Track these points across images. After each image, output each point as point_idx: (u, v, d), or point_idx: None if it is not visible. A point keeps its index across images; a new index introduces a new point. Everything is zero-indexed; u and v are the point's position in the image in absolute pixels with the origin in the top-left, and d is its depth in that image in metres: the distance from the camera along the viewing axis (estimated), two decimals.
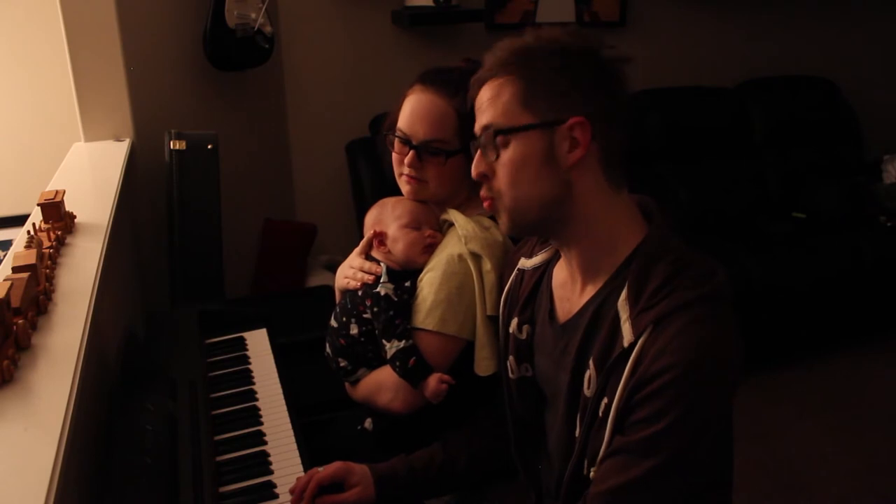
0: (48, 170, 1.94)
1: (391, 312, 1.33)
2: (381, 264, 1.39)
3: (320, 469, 1.23)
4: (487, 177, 1.09)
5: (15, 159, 2.46)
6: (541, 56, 1.05)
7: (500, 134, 1.05)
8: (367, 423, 1.44)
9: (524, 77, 1.05)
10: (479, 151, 1.10)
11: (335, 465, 1.24)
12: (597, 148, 1.04)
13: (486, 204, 1.12)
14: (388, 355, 1.33)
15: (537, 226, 1.12)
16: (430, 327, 1.32)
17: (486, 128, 1.07)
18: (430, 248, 1.38)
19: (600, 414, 1.03)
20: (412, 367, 1.30)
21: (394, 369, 1.33)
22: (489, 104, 1.07)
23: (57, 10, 2.00)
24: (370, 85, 2.97)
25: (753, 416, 2.76)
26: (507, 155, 1.05)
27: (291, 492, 1.20)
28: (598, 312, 1.06)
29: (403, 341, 1.31)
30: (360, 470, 1.25)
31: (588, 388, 1.06)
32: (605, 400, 1.02)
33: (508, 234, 1.29)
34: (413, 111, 1.36)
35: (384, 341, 1.33)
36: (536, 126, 1.04)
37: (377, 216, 1.44)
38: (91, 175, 1.99)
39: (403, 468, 1.28)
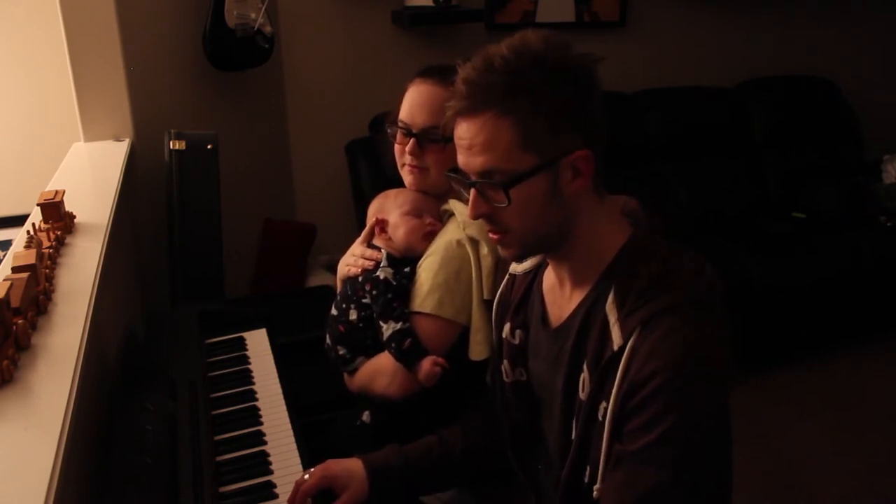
0: (48, 170, 1.93)
1: (389, 295, 1.35)
2: (382, 251, 1.42)
3: (306, 476, 1.21)
4: (491, 215, 1.06)
5: (15, 159, 2.46)
6: (528, 87, 0.98)
7: (511, 186, 1.00)
8: (365, 416, 1.45)
9: (517, 116, 0.98)
10: (474, 192, 1.04)
11: (317, 475, 1.20)
12: (595, 166, 1.02)
13: (494, 238, 1.09)
14: (385, 337, 1.34)
15: (541, 249, 1.13)
16: (426, 310, 1.34)
17: (486, 174, 1.01)
18: (430, 236, 1.41)
19: (599, 418, 1.03)
20: (407, 349, 1.32)
21: (389, 351, 1.34)
22: (484, 148, 1.00)
23: (57, 10, 2.00)
24: (370, 85, 2.97)
25: (753, 416, 2.76)
26: (514, 197, 1.01)
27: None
28: (588, 316, 1.06)
29: (400, 323, 1.33)
30: (344, 471, 1.22)
31: (582, 391, 1.06)
32: (604, 403, 1.02)
33: (514, 261, 1.29)
34: (412, 102, 1.39)
35: (381, 323, 1.35)
36: (541, 168, 1.00)
37: (380, 205, 1.47)
38: (91, 175, 1.99)
39: (398, 459, 1.26)
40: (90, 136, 2.15)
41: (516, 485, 1.32)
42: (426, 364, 1.31)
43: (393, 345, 1.33)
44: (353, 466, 1.24)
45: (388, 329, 1.34)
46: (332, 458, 1.25)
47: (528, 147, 0.99)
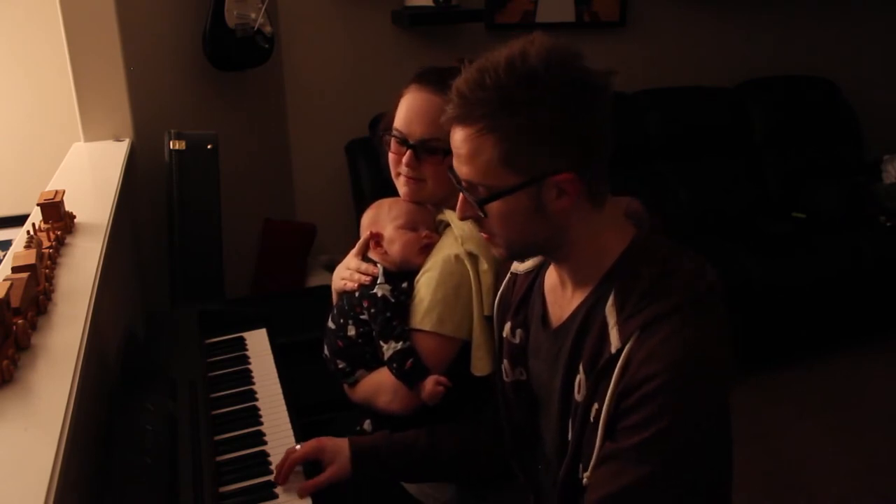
0: (48, 170, 1.93)
1: (388, 314, 1.33)
2: (378, 265, 1.40)
3: (297, 447, 1.26)
4: (477, 219, 1.07)
5: (15, 159, 2.46)
6: (516, 107, 0.96)
7: (486, 202, 1.01)
8: (366, 425, 1.45)
9: (501, 134, 0.97)
10: (461, 196, 1.06)
11: (308, 445, 1.25)
12: (583, 186, 1.01)
13: (484, 237, 1.11)
14: (386, 357, 1.33)
15: (532, 254, 1.16)
16: (427, 328, 1.32)
17: (467, 183, 1.03)
18: (426, 249, 1.38)
19: (591, 419, 1.03)
20: (409, 369, 1.31)
21: (391, 371, 1.33)
22: (467, 159, 1.01)
23: (57, 10, 2.00)
24: (370, 85, 2.97)
25: (753, 416, 2.76)
26: (494, 210, 1.02)
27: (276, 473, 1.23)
28: (588, 318, 1.06)
29: (401, 343, 1.32)
30: (333, 446, 1.26)
31: (578, 392, 1.06)
32: (596, 405, 1.02)
33: (504, 259, 1.29)
34: (409, 110, 1.36)
35: (381, 342, 1.34)
36: (521, 186, 0.99)
37: (373, 217, 1.43)
38: (91, 175, 1.99)
39: (384, 444, 1.28)
40: (90, 136, 2.15)
41: (516, 485, 1.32)
42: (429, 384, 1.30)
43: (394, 365, 1.32)
44: (342, 444, 1.27)
45: (388, 349, 1.32)
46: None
47: (509, 165, 0.99)
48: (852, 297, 3.16)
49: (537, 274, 1.21)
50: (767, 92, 3.60)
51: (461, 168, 1.03)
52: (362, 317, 1.37)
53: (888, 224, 3.30)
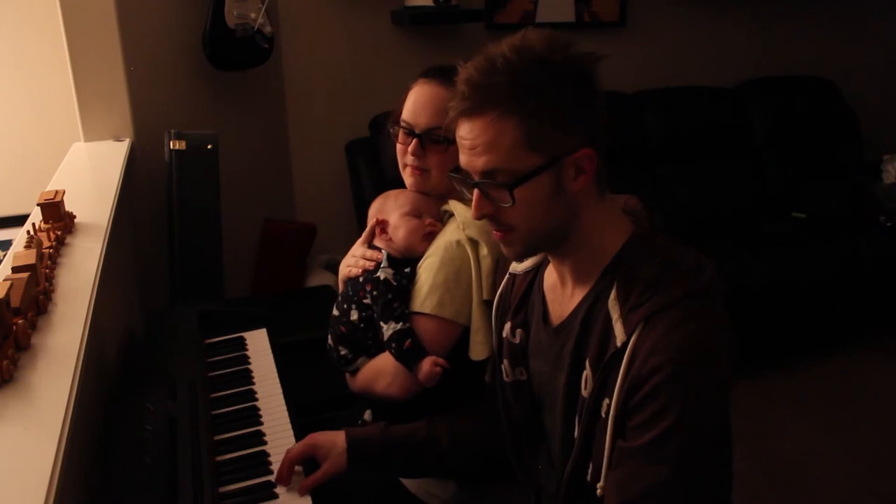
0: (48, 170, 1.94)
1: (390, 296, 1.36)
2: (383, 251, 1.43)
3: (294, 446, 1.26)
4: (494, 215, 1.06)
5: (15, 159, 2.46)
6: (531, 87, 0.98)
7: (516, 186, 1.00)
8: (367, 415, 1.46)
9: (521, 115, 0.98)
10: (478, 192, 1.04)
11: (302, 444, 1.25)
12: (597, 164, 1.03)
13: (497, 236, 1.09)
14: (385, 337, 1.35)
15: (545, 248, 1.13)
16: (427, 311, 1.34)
17: (489, 174, 1.01)
18: (430, 236, 1.41)
19: (602, 415, 1.03)
20: (408, 349, 1.32)
21: (390, 351, 1.35)
22: (487, 148, 1.00)
23: (57, 10, 2.00)
24: (370, 85, 2.97)
25: (753, 416, 2.76)
26: (519, 195, 1.01)
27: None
28: (590, 313, 1.07)
29: (400, 324, 1.34)
30: (327, 442, 1.26)
31: (585, 388, 1.07)
32: (606, 400, 1.03)
33: (515, 260, 1.29)
34: (416, 102, 1.40)
35: (382, 323, 1.36)
36: (545, 167, 1.00)
37: (380, 206, 1.47)
38: (91, 175, 1.99)
39: (379, 435, 1.28)
40: (90, 136, 2.15)
41: (516, 485, 1.32)
42: (426, 365, 1.31)
43: (393, 345, 1.34)
44: (336, 438, 1.27)
45: (388, 329, 1.34)
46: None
47: (531, 146, 0.99)
48: (852, 296, 3.16)
49: (536, 274, 1.21)
50: (767, 92, 3.59)
51: (478, 160, 1.02)
52: (365, 301, 1.40)
53: (888, 224, 3.29)
